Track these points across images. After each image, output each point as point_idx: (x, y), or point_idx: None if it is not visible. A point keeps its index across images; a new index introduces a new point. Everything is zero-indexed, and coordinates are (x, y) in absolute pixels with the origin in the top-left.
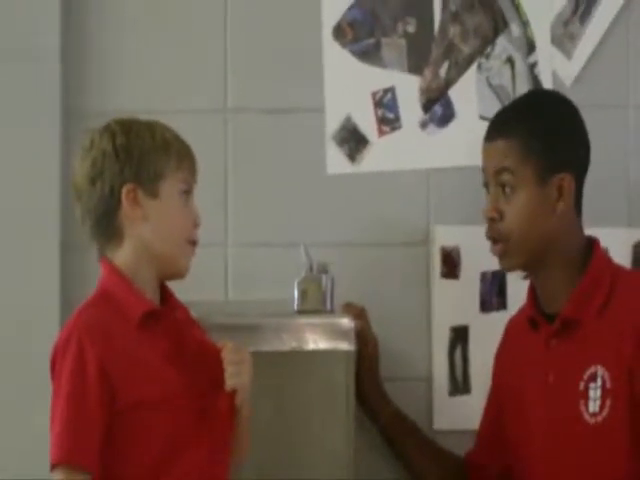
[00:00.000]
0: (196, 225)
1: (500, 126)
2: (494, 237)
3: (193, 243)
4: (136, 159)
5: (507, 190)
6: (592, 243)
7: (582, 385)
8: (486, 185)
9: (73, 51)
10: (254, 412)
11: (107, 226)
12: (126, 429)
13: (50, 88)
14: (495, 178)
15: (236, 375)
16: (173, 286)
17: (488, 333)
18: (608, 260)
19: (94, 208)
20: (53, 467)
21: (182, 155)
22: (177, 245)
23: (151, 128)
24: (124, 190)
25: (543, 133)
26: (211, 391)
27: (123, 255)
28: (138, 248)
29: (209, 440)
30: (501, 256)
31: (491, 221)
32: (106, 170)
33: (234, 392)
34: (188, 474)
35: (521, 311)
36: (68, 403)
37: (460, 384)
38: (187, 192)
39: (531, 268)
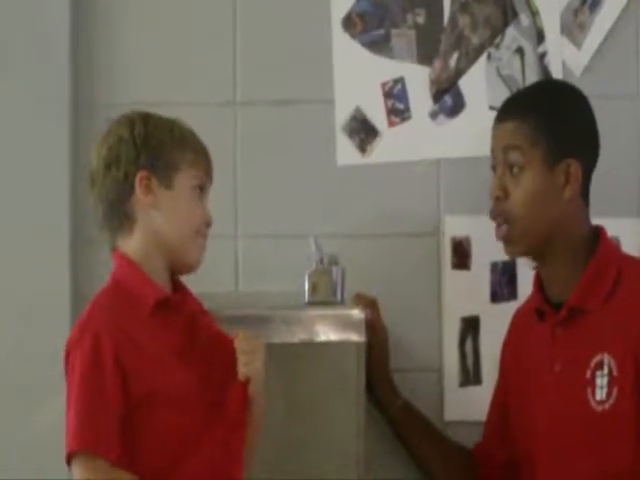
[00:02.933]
0: (207, 223)
1: (510, 109)
2: (498, 216)
3: (204, 237)
4: (153, 148)
5: (515, 170)
6: (598, 232)
7: (589, 373)
8: (494, 168)
9: (82, 44)
10: (265, 404)
11: (119, 212)
12: (139, 424)
13: (59, 81)
14: (504, 156)
15: (249, 364)
16: (184, 278)
17: (499, 323)
18: (615, 249)
19: (107, 193)
20: (70, 456)
21: (198, 152)
22: (187, 236)
23: (170, 122)
24: (138, 176)
25: (552, 119)
26: (224, 382)
27: (133, 243)
28: (148, 236)
29: (223, 432)
30: (506, 241)
31: (496, 200)
32: (122, 156)
33: (247, 381)
34: (202, 467)
35: (527, 302)
36: (84, 392)
37: (471, 375)
38: (201, 189)
39: (536, 255)
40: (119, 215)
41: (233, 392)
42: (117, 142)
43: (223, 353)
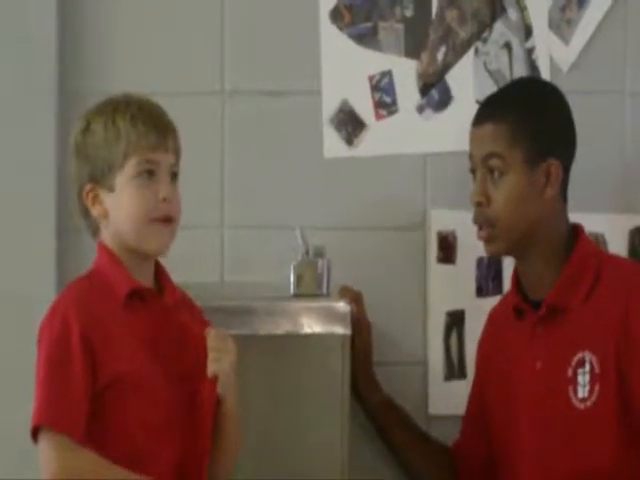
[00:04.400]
0: (160, 200)
1: (489, 111)
2: (481, 222)
3: (163, 220)
4: (90, 157)
5: (495, 175)
6: (577, 230)
7: (570, 371)
8: (473, 171)
9: (70, 32)
10: (248, 395)
11: (87, 221)
12: (105, 410)
13: (46, 70)
14: (483, 163)
15: (217, 362)
16: (169, 268)
17: (484, 318)
18: (593, 246)
19: (75, 206)
20: (35, 431)
21: (135, 137)
22: (138, 227)
23: (106, 118)
24: (84, 192)
25: (531, 119)
26: (193, 378)
27: (106, 242)
28: (112, 239)
29: (189, 427)
30: (487, 241)
31: (478, 206)
32: (72, 173)
33: (215, 379)
34: (167, 460)
35: (503, 300)
36: (51, 370)
37: (456, 369)
38: (150, 171)
39: (516, 254)
40: (88, 223)
41: (203, 389)
42: (70, 157)
43: (194, 349)
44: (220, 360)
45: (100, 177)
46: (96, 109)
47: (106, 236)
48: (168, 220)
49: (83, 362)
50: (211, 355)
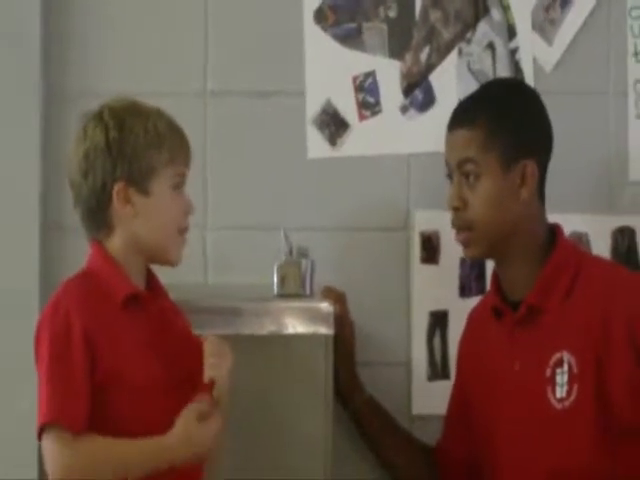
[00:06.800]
0: (187, 214)
1: (462, 116)
2: (459, 226)
3: (184, 231)
4: (128, 156)
5: (471, 179)
6: (555, 230)
7: (549, 371)
8: (449, 176)
9: (54, 32)
10: (232, 395)
11: (97, 218)
12: (103, 408)
13: (31, 69)
14: (458, 168)
15: (215, 367)
16: (154, 268)
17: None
18: (572, 246)
19: (85, 200)
20: (42, 428)
21: (175, 147)
22: (167, 237)
23: (144, 120)
24: (115, 189)
25: (505, 121)
26: (190, 382)
27: (112, 244)
28: (127, 240)
29: None
30: (465, 244)
31: (455, 210)
32: (98, 165)
33: (212, 384)
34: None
35: (483, 301)
36: (54, 366)
37: (439, 369)
38: (180, 183)
39: (495, 256)
40: (97, 221)
41: (198, 394)
42: (93, 149)
43: (192, 354)
44: (219, 367)
45: (138, 179)
46: (125, 109)
47: (118, 237)
48: (186, 232)
49: (84, 357)
50: (209, 360)
